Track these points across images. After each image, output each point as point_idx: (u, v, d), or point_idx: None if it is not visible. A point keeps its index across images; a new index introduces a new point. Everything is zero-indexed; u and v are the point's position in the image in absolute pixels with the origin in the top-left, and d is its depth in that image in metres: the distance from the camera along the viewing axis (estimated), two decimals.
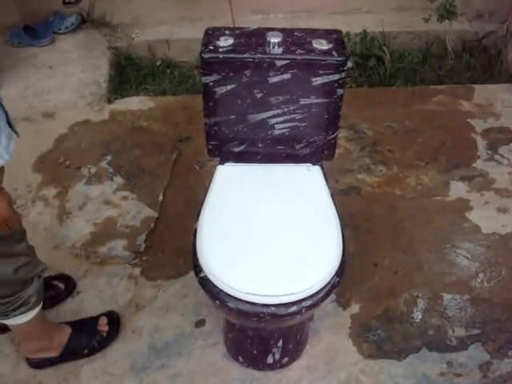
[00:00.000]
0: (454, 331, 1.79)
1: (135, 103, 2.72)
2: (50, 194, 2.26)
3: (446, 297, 1.89)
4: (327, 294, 1.36)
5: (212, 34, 1.50)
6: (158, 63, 3.06)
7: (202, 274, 1.36)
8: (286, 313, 1.30)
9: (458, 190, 2.27)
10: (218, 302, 1.33)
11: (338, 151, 2.32)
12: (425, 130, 2.56)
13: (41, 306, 1.56)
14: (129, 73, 2.98)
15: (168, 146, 2.47)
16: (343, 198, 2.21)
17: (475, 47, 3.06)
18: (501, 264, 1.99)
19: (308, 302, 1.32)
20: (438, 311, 1.84)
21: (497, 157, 2.42)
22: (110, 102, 2.72)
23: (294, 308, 1.30)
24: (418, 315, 1.83)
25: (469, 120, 2.61)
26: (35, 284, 1.51)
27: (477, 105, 2.70)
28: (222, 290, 1.32)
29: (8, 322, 1.53)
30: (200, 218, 1.48)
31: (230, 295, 1.31)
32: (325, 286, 1.34)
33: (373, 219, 2.14)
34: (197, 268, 1.38)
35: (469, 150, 2.45)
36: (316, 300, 1.33)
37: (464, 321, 1.82)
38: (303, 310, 1.32)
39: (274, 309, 1.30)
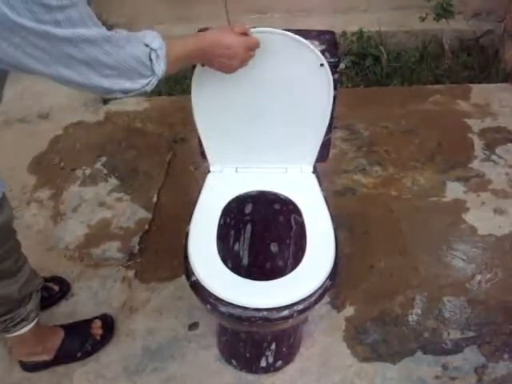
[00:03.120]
0: (449, 334, 1.77)
1: (130, 104, 2.71)
2: (45, 195, 2.25)
3: (442, 299, 1.87)
4: (320, 298, 1.34)
5: None
6: None
7: (193, 278, 1.35)
8: (277, 317, 1.29)
9: (454, 190, 2.26)
10: (209, 306, 1.31)
11: (333, 151, 2.33)
12: (421, 130, 2.54)
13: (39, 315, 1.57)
14: None
15: (163, 147, 2.46)
16: (339, 198, 2.20)
17: (472, 46, 3.05)
18: (497, 266, 1.98)
19: (300, 306, 1.30)
20: (434, 314, 1.83)
21: (494, 157, 2.41)
22: (105, 102, 2.71)
23: (286, 312, 1.29)
24: (413, 318, 1.82)
25: (466, 120, 2.60)
26: (34, 299, 1.52)
27: (474, 104, 2.69)
28: (212, 294, 1.31)
29: (7, 335, 1.54)
30: (191, 221, 1.47)
31: (221, 299, 1.30)
32: (317, 289, 1.33)
33: (368, 220, 2.13)
34: (188, 272, 1.37)
35: (465, 151, 2.44)
36: (308, 304, 1.31)
37: (459, 323, 1.80)
38: (295, 314, 1.30)
39: (265, 313, 1.28)
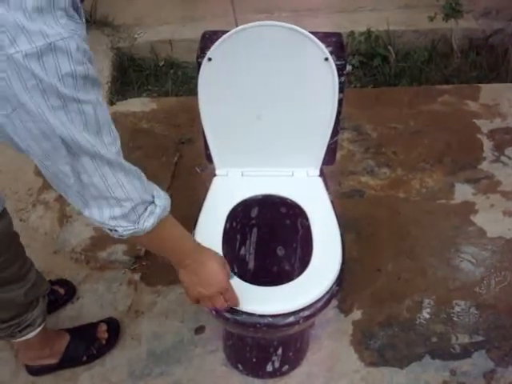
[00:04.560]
0: (457, 338, 1.76)
1: (137, 105, 2.70)
2: (51, 197, 2.24)
3: (450, 303, 1.85)
4: (326, 304, 1.33)
5: (209, 38, 1.48)
6: (161, 64, 3.04)
7: None
8: (283, 323, 1.28)
9: (463, 192, 2.23)
10: (214, 311, 1.30)
11: (341, 153, 2.32)
12: (430, 131, 2.51)
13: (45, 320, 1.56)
14: (131, 74, 2.96)
15: (170, 148, 2.45)
16: (346, 201, 2.18)
17: (482, 46, 3.01)
18: (506, 269, 1.95)
19: (306, 313, 1.29)
20: (442, 318, 1.81)
21: (503, 158, 2.38)
22: (112, 103, 2.70)
23: (292, 318, 1.28)
24: (421, 322, 1.80)
25: (475, 120, 2.56)
26: (41, 305, 1.51)
27: (483, 105, 2.66)
28: None
29: (13, 340, 1.53)
30: (196, 226, 1.46)
31: None
32: (323, 295, 1.32)
33: (376, 223, 2.11)
34: None
35: (474, 152, 2.41)
36: (314, 310, 1.30)
37: (468, 327, 1.78)
38: (301, 321, 1.29)
39: (270, 319, 1.27)
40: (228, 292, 1.22)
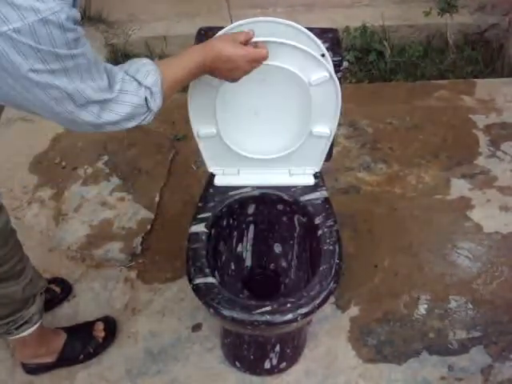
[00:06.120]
0: (455, 334, 1.76)
1: None
2: (46, 195, 2.23)
3: (447, 298, 1.85)
4: (324, 301, 1.32)
5: (205, 35, 1.46)
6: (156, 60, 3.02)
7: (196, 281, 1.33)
8: (281, 321, 1.27)
9: (459, 188, 2.23)
10: (211, 309, 1.30)
11: (337, 149, 2.31)
12: (426, 126, 2.51)
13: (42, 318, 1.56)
14: None
15: (165, 145, 2.43)
16: (342, 197, 2.17)
17: (477, 40, 3.01)
18: (503, 264, 1.96)
19: (304, 310, 1.28)
20: (439, 313, 1.81)
21: (499, 153, 2.37)
22: None
23: (290, 316, 1.27)
24: (418, 318, 1.80)
25: (470, 116, 2.56)
26: (38, 302, 1.51)
27: (478, 100, 2.65)
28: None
29: (10, 337, 1.53)
30: (193, 223, 1.45)
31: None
32: (321, 292, 1.31)
33: (372, 219, 2.10)
34: (190, 275, 1.36)
35: (470, 147, 2.41)
36: (312, 307, 1.30)
37: (465, 323, 1.79)
38: (299, 318, 1.28)
39: (268, 317, 1.27)
40: (253, 55, 1.22)
